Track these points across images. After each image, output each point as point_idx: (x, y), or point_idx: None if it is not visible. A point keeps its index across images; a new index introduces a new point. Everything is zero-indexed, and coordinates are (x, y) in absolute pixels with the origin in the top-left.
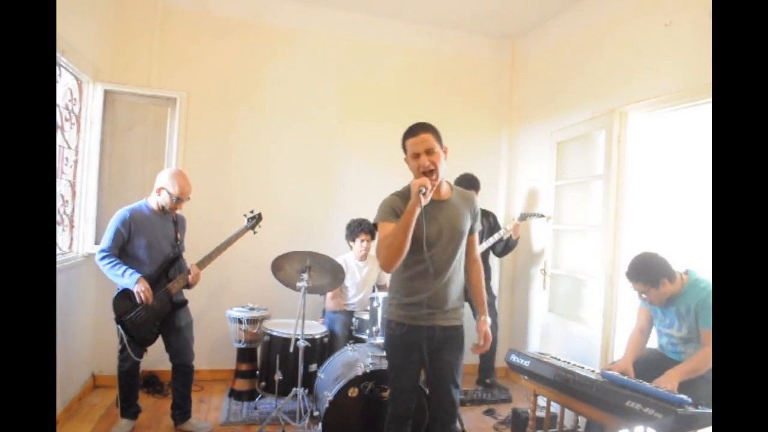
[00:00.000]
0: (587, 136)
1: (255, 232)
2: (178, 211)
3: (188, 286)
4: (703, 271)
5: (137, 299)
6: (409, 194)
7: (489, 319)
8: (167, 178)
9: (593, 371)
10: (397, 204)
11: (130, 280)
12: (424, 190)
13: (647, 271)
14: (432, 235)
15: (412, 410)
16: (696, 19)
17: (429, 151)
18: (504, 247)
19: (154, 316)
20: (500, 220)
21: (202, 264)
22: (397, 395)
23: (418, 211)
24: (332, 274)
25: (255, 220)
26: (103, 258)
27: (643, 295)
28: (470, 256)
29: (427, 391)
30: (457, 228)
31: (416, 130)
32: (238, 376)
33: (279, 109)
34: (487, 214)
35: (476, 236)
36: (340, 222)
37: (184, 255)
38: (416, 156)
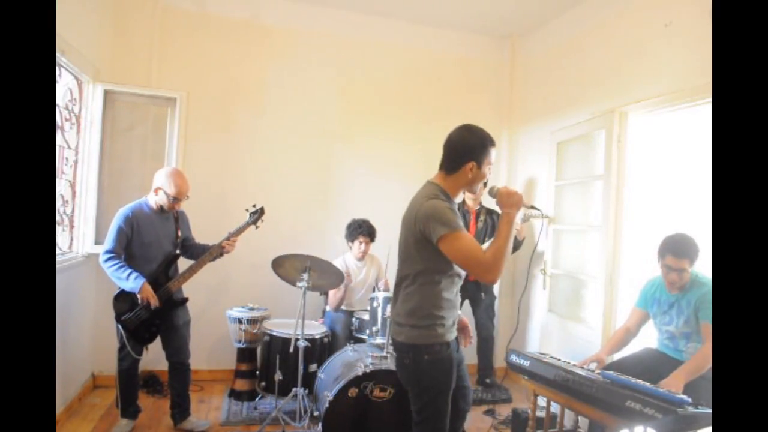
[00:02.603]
0: (587, 136)
1: (257, 227)
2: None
3: (220, 255)
4: (704, 270)
5: (141, 303)
6: (450, 200)
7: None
8: (164, 178)
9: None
10: (453, 209)
11: (135, 284)
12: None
13: (694, 248)
14: None
15: None
16: (696, 19)
17: None
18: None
19: (155, 315)
20: None
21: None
22: (444, 419)
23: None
24: (333, 275)
25: (257, 214)
26: (107, 260)
27: (679, 274)
28: None
29: None
30: None
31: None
32: (238, 376)
33: (279, 109)
34: (490, 213)
35: None
36: (340, 222)
37: (199, 240)
38: (490, 165)
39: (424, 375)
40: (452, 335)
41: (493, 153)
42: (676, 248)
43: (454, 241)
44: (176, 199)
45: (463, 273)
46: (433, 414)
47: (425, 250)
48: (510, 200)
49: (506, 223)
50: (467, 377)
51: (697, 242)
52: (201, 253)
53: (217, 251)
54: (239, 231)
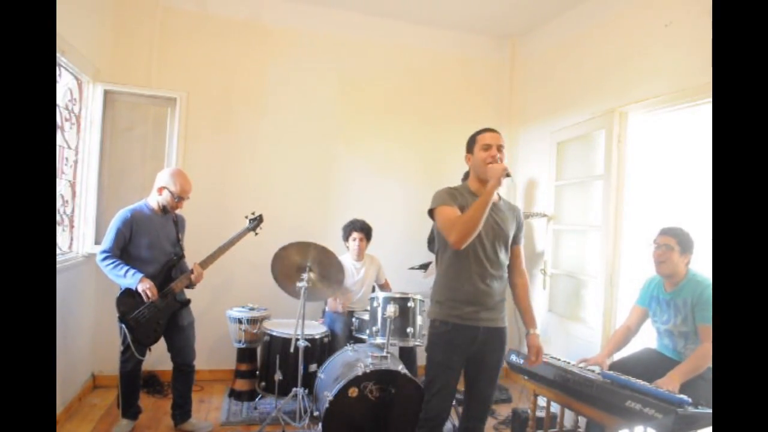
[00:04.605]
0: (587, 136)
1: (256, 234)
2: (177, 212)
3: (191, 285)
4: (703, 270)
5: (143, 297)
6: (463, 190)
7: (539, 333)
8: (168, 177)
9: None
10: (455, 193)
11: (133, 279)
12: (508, 172)
13: (686, 236)
14: (483, 231)
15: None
16: (696, 19)
17: (500, 148)
18: None
19: (158, 316)
20: None
21: (204, 264)
22: (435, 397)
23: (495, 193)
24: (332, 271)
25: (256, 221)
26: (104, 259)
27: (663, 249)
28: (517, 268)
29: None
30: (504, 230)
31: (491, 130)
32: (238, 376)
33: (279, 109)
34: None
35: (521, 248)
36: (340, 222)
37: (198, 240)
38: (488, 147)
39: (428, 346)
40: (452, 316)
41: (486, 136)
42: (666, 228)
43: (437, 215)
44: (180, 198)
45: (471, 252)
46: (430, 384)
47: (439, 235)
48: (493, 171)
49: (483, 193)
50: (487, 381)
51: (691, 236)
52: (180, 272)
53: (187, 280)
54: (238, 237)
